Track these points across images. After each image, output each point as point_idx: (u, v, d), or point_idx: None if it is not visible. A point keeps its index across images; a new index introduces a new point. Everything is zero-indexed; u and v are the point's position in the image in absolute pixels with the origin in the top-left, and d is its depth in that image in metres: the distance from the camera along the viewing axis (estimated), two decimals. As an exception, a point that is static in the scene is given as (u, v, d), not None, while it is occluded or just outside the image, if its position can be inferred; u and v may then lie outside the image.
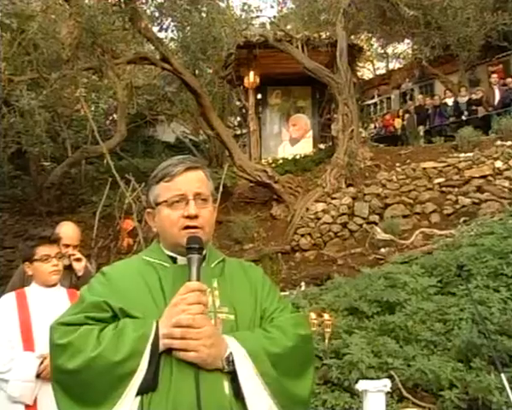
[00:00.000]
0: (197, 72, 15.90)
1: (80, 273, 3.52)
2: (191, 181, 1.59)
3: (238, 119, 20.32)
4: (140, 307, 1.51)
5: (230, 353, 1.46)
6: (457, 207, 9.60)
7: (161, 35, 12.18)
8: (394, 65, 23.23)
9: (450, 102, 14.68)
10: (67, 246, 3.48)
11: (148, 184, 1.67)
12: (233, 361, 1.46)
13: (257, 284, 1.67)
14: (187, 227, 1.57)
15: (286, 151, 15.96)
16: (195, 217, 1.56)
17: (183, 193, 1.58)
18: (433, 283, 5.78)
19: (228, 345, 1.47)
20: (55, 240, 2.94)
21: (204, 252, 1.59)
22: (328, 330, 4.92)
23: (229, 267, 1.69)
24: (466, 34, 12.41)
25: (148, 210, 1.68)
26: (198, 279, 1.48)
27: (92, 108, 14.60)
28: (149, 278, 1.58)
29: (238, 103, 18.44)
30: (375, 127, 17.76)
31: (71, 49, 10.22)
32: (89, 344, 1.44)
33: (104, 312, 1.52)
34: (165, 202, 1.58)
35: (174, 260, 1.63)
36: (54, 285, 2.90)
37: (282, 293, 7.49)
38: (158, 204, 1.62)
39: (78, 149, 13.50)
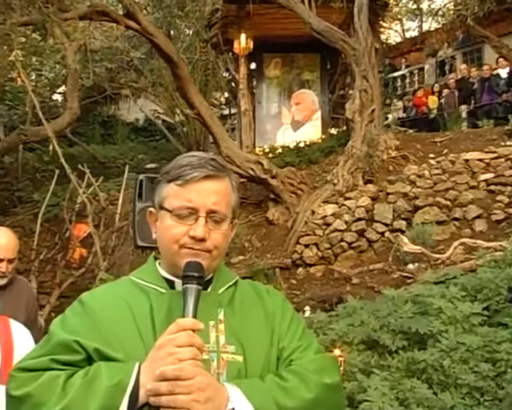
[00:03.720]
0: (173, 33, 15.86)
1: None
2: (208, 194, 1.63)
3: (226, 95, 20.35)
4: (122, 346, 1.55)
5: (233, 409, 1.47)
6: (511, 211, 9.57)
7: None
8: (430, 25, 23.27)
9: (503, 73, 14.66)
10: (0, 261, 3.52)
11: (158, 178, 1.73)
12: None
13: (275, 314, 1.72)
14: (189, 248, 1.62)
15: (287, 138, 15.95)
16: (202, 240, 1.61)
17: (195, 207, 1.62)
18: (477, 310, 5.71)
19: (230, 398, 1.48)
20: None
21: (209, 277, 1.67)
22: (340, 368, 4.84)
23: (241, 293, 1.74)
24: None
25: (151, 209, 1.74)
26: (194, 316, 1.51)
27: (33, 77, 14.51)
28: (138, 307, 1.62)
29: (226, 75, 18.44)
30: (404, 107, 17.82)
31: (1, -5, 10.11)
32: (52, 396, 1.46)
33: (74, 353, 1.55)
34: (170, 211, 1.64)
35: (172, 283, 1.68)
36: None
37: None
38: (162, 208, 1.67)
39: (13, 131, 13.41)
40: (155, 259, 1.76)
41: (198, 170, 1.62)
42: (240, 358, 1.58)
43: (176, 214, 1.62)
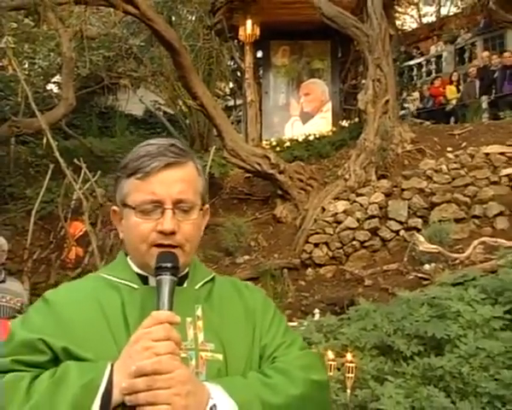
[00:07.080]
0: (174, 18, 15.85)
1: None
2: (172, 183, 1.60)
3: (230, 85, 20.36)
4: (92, 345, 1.51)
5: (214, 405, 1.45)
6: (534, 208, 9.54)
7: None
8: (448, 9, 23.21)
9: (527, 61, 14.60)
10: None
11: (117, 174, 1.69)
12: None
13: (255, 311, 1.72)
14: (159, 245, 1.59)
15: (295, 130, 15.99)
16: (172, 233, 1.58)
17: (159, 199, 1.58)
18: (498, 313, 5.67)
19: (211, 395, 1.47)
20: None
21: (184, 272, 1.66)
22: (351, 375, 4.84)
23: (220, 289, 1.73)
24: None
25: (114, 208, 1.71)
26: (170, 308, 1.49)
27: (25, 66, 14.51)
28: (109, 303, 1.59)
29: (231, 63, 18.43)
30: (420, 98, 17.76)
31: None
32: (15, 400, 1.41)
33: (40, 354, 1.50)
34: (134, 208, 1.60)
35: (145, 279, 1.66)
36: None
37: (289, 324, 7.46)
38: (125, 205, 1.64)
39: (4, 123, 13.43)
40: (126, 255, 1.72)
41: (158, 159, 1.58)
42: (220, 356, 1.56)
43: (140, 210, 1.58)
